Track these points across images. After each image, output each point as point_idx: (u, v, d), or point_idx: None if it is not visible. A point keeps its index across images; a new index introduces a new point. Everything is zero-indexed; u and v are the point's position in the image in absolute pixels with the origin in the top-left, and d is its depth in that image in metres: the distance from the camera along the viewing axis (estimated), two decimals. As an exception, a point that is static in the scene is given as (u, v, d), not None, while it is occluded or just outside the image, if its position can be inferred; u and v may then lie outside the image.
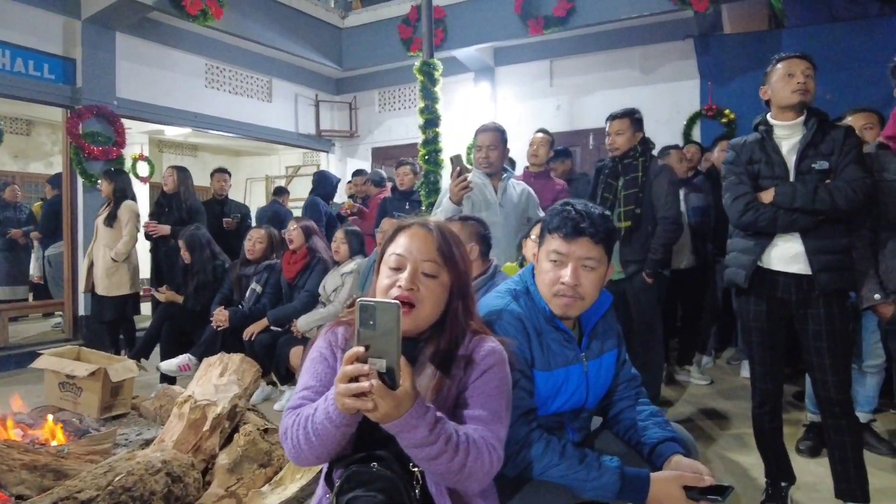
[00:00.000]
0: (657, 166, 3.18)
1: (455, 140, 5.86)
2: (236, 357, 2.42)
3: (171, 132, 8.80)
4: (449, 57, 6.63)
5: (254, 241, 4.11)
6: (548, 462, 1.31)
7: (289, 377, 3.65)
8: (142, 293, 5.11)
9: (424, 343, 1.23)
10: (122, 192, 4.77)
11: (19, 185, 7.62)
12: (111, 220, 4.68)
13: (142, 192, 8.38)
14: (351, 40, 7.54)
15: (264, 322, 3.78)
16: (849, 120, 2.91)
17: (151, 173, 8.74)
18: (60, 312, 6.04)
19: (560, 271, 1.42)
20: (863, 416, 2.83)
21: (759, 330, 2.20)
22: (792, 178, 2.10)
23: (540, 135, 4.12)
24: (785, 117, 2.13)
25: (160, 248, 5.09)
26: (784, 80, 2.09)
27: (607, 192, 3.18)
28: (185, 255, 4.25)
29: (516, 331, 1.42)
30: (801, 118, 2.11)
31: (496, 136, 3.06)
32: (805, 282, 2.09)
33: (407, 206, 4.77)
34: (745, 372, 3.96)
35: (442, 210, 2.79)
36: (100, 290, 4.73)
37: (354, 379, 0.95)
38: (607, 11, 5.91)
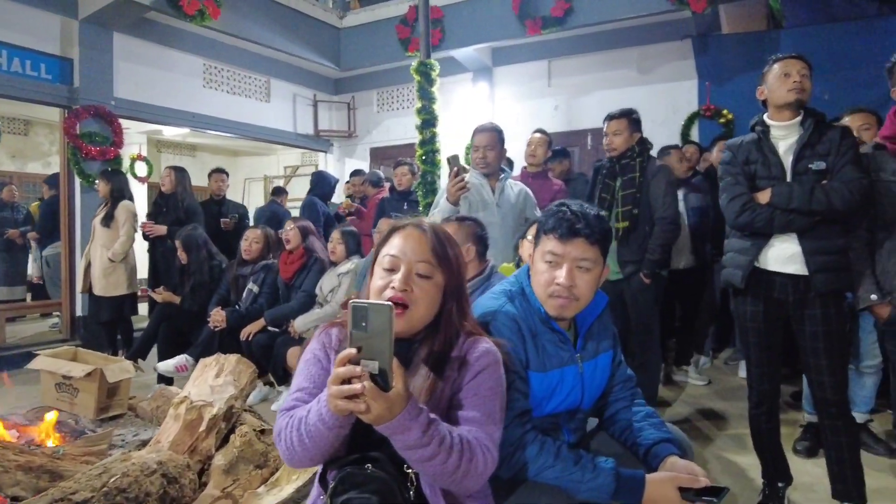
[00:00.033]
0: (655, 167, 3.18)
1: (453, 140, 5.86)
2: (232, 358, 2.42)
3: (170, 132, 8.79)
4: (447, 57, 6.63)
5: (250, 241, 4.11)
6: (542, 463, 1.31)
7: (286, 378, 3.64)
8: (139, 294, 5.10)
9: (418, 344, 1.22)
10: (119, 193, 4.77)
11: (17, 186, 7.62)
12: (108, 220, 4.68)
13: (140, 192, 8.38)
14: (349, 40, 7.53)
15: (261, 322, 3.78)
16: (847, 120, 2.91)
17: (150, 173, 8.73)
18: (58, 313, 6.03)
19: (555, 272, 1.42)
20: (860, 417, 2.83)
21: (756, 331, 2.20)
22: (789, 179, 2.10)
23: (538, 135, 4.12)
24: (781, 117, 2.13)
25: (157, 248, 5.08)
26: (780, 80, 2.09)
27: (605, 192, 3.17)
28: (182, 256, 4.24)
29: (511, 332, 1.41)
30: (798, 118, 2.11)
31: (493, 137, 3.05)
32: (802, 282, 2.09)
33: (405, 207, 4.76)
34: (743, 372, 3.95)
35: (439, 210, 2.79)
36: (97, 291, 4.72)
37: (347, 381, 0.95)
38: (605, 11, 5.91)
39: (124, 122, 5.81)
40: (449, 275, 1.24)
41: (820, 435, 2.30)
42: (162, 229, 4.92)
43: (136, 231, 4.82)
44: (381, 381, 0.96)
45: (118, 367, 2.65)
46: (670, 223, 3.10)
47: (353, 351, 0.96)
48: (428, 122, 5.03)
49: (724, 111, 5.74)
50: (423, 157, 4.98)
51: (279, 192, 6.70)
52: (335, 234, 3.92)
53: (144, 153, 8.83)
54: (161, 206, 5.09)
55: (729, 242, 2.29)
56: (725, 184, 2.23)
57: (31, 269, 7.05)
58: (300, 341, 3.55)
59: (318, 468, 1.23)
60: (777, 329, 2.20)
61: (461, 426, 1.13)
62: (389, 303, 0.99)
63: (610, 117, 3.16)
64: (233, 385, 2.30)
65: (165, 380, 3.81)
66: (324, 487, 1.19)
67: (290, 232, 3.99)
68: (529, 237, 2.42)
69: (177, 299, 4.21)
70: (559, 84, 6.94)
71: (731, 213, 2.18)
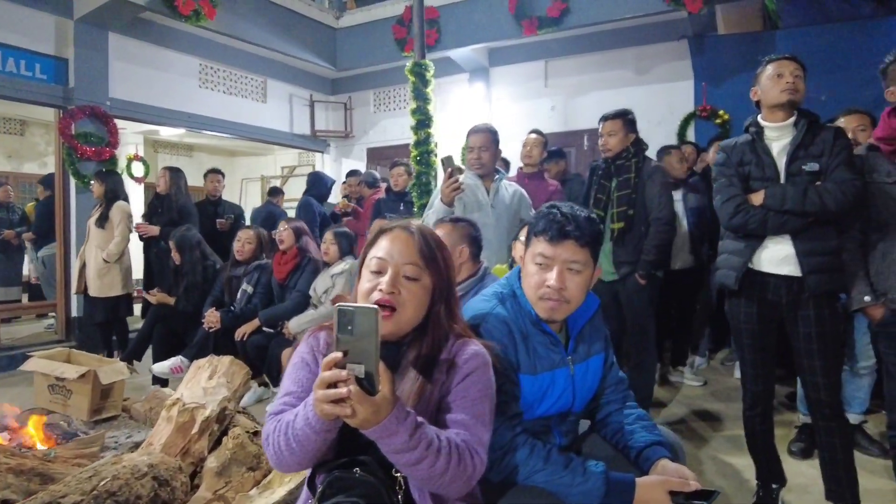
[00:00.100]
0: (650, 167, 3.17)
1: (450, 141, 5.85)
2: (226, 359, 2.41)
3: (166, 132, 8.77)
4: (443, 57, 6.63)
5: (243, 242, 4.10)
6: (532, 467, 1.30)
7: (281, 378, 3.63)
8: (135, 294, 5.09)
9: (407, 347, 1.22)
10: (114, 193, 4.76)
11: (13, 186, 7.59)
12: (103, 221, 4.67)
13: (136, 192, 8.36)
14: (345, 41, 7.53)
15: (256, 322, 3.77)
16: (842, 121, 2.90)
17: (146, 174, 8.71)
18: (53, 314, 6.01)
19: (545, 274, 1.41)
20: (854, 418, 2.84)
21: (750, 332, 2.20)
22: (782, 180, 2.10)
23: (533, 135, 4.11)
24: (775, 118, 2.13)
25: (151, 249, 5.08)
26: (773, 80, 2.10)
27: (600, 193, 3.17)
28: (176, 257, 4.23)
29: (502, 334, 1.41)
30: (791, 119, 2.11)
31: (488, 137, 3.05)
32: (795, 284, 2.09)
33: (401, 207, 4.76)
34: (739, 373, 3.95)
35: (433, 211, 2.78)
36: (92, 292, 4.71)
37: (333, 385, 0.95)
38: (601, 12, 5.90)
39: (120, 123, 5.80)
40: (437, 277, 1.23)
41: (814, 436, 2.30)
42: (155, 230, 4.92)
43: (131, 232, 4.81)
44: (367, 384, 0.95)
45: (111, 369, 2.64)
46: (665, 224, 3.10)
47: (339, 355, 0.95)
48: (422, 122, 5.02)
49: (721, 111, 5.74)
50: (418, 158, 4.96)
51: (276, 192, 6.69)
52: (328, 235, 3.90)
53: (141, 153, 8.82)
54: (157, 206, 5.09)
55: (723, 244, 2.29)
56: (719, 185, 2.23)
57: (28, 269, 7.04)
58: (295, 342, 3.54)
59: (308, 471, 1.22)
60: (771, 330, 2.20)
61: (450, 429, 1.12)
62: (375, 306, 0.98)
63: (605, 118, 3.16)
64: (226, 387, 2.29)
65: (161, 381, 3.80)
66: (312, 491, 1.19)
67: (283, 232, 3.98)
68: (521, 239, 2.42)
69: (171, 300, 4.20)
70: (555, 84, 6.94)
71: (725, 215, 2.18)
